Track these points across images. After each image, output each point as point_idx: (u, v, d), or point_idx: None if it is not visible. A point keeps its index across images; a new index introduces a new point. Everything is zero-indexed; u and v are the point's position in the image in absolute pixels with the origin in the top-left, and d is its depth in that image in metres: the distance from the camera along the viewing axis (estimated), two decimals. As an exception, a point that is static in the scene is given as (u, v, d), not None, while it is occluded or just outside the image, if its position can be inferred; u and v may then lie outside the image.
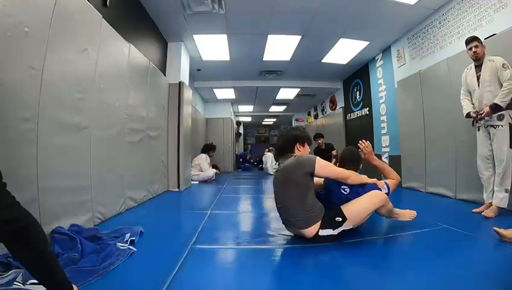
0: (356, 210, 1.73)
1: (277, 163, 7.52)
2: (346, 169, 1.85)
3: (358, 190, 1.83)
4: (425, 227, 2.06)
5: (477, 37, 2.41)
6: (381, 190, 1.87)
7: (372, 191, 1.81)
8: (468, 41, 2.43)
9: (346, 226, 1.70)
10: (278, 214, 1.88)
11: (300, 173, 1.68)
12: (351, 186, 1.83)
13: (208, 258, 1.55)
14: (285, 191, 1.75)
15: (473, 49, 2.37)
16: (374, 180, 1.91)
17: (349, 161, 2.03)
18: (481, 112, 2.34)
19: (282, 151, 1.88)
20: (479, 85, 2.39)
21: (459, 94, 2.65)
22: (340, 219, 1.68)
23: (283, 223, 1.86)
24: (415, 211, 2.08)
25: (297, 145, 1.85)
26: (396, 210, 2.03)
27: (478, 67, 2.41)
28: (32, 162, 1.56)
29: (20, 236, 0.83)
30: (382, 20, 3.89)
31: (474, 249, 1.70)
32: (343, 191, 1.88)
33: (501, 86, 2.25)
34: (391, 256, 1.58)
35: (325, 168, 1.73)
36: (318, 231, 1.67)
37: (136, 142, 3.06)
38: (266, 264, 1.48)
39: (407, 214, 2.06)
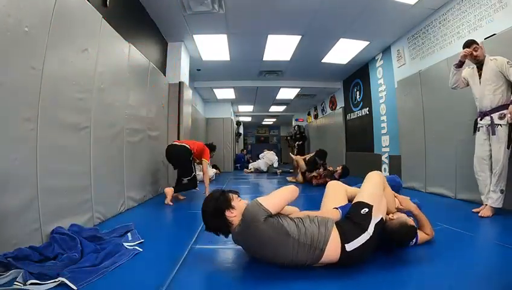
0: (372, 191, 1.46)
1: (271, 165, 7.62)
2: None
3: None
4: (425, 227, 2.06)
5: (475, 40, 2.42)
6: None
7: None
8: (468, 44, 2.41)
9: (375, 216, 1.35)
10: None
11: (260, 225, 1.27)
12: None
13: (208, 258, 1.55)
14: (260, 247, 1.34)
15: (474, 54, 2.36)
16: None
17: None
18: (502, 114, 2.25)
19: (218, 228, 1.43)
20: (480, 83, 2.40)
21: (459, 94, 2.64)
22: (366, 209, 1.36)
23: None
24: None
25: (227, 212, 1.40)
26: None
27: (479, 66, 2.42)
28: (32, 162, 1.56)
29: None
30: (382, 20, 3.89)
31: (474, 249, 1.71)
32: None
33: (503, 83, 2.25)
34: (391, 256, 1.57)
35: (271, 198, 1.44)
36: (344, 248, 1.28)
37: (136, 142, 3.06)
38: (266, 264, 1.47)
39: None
